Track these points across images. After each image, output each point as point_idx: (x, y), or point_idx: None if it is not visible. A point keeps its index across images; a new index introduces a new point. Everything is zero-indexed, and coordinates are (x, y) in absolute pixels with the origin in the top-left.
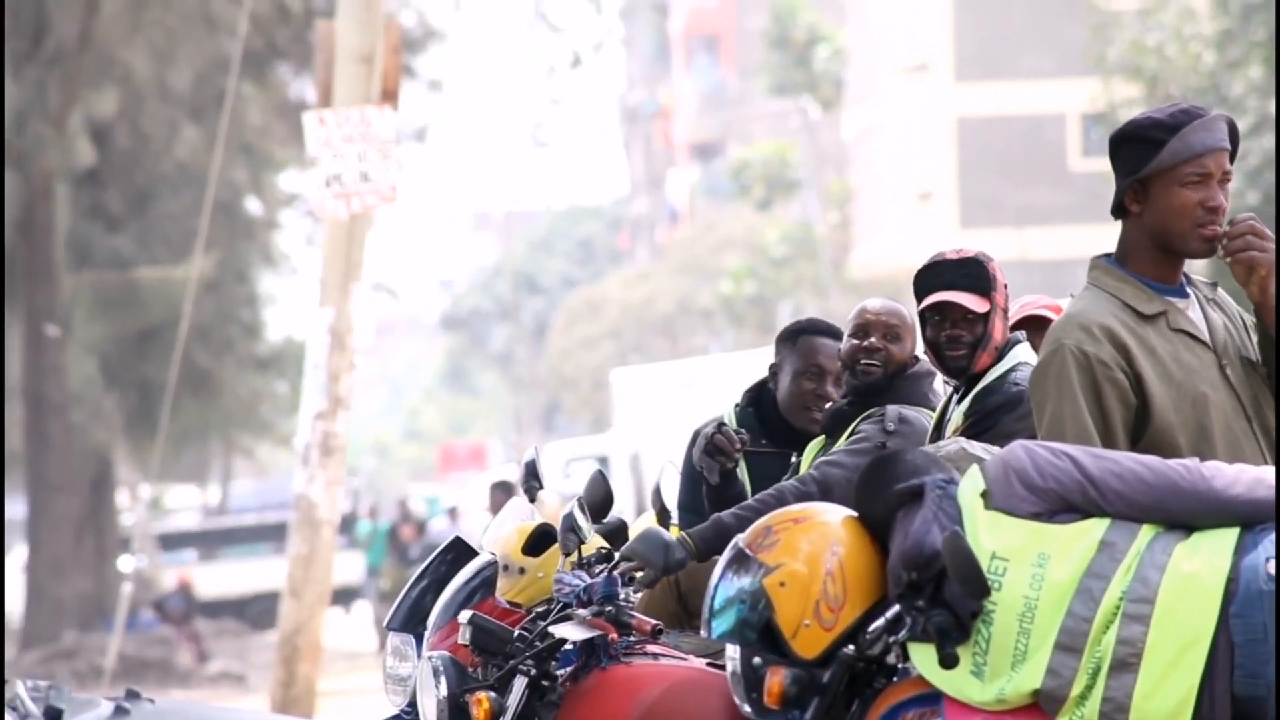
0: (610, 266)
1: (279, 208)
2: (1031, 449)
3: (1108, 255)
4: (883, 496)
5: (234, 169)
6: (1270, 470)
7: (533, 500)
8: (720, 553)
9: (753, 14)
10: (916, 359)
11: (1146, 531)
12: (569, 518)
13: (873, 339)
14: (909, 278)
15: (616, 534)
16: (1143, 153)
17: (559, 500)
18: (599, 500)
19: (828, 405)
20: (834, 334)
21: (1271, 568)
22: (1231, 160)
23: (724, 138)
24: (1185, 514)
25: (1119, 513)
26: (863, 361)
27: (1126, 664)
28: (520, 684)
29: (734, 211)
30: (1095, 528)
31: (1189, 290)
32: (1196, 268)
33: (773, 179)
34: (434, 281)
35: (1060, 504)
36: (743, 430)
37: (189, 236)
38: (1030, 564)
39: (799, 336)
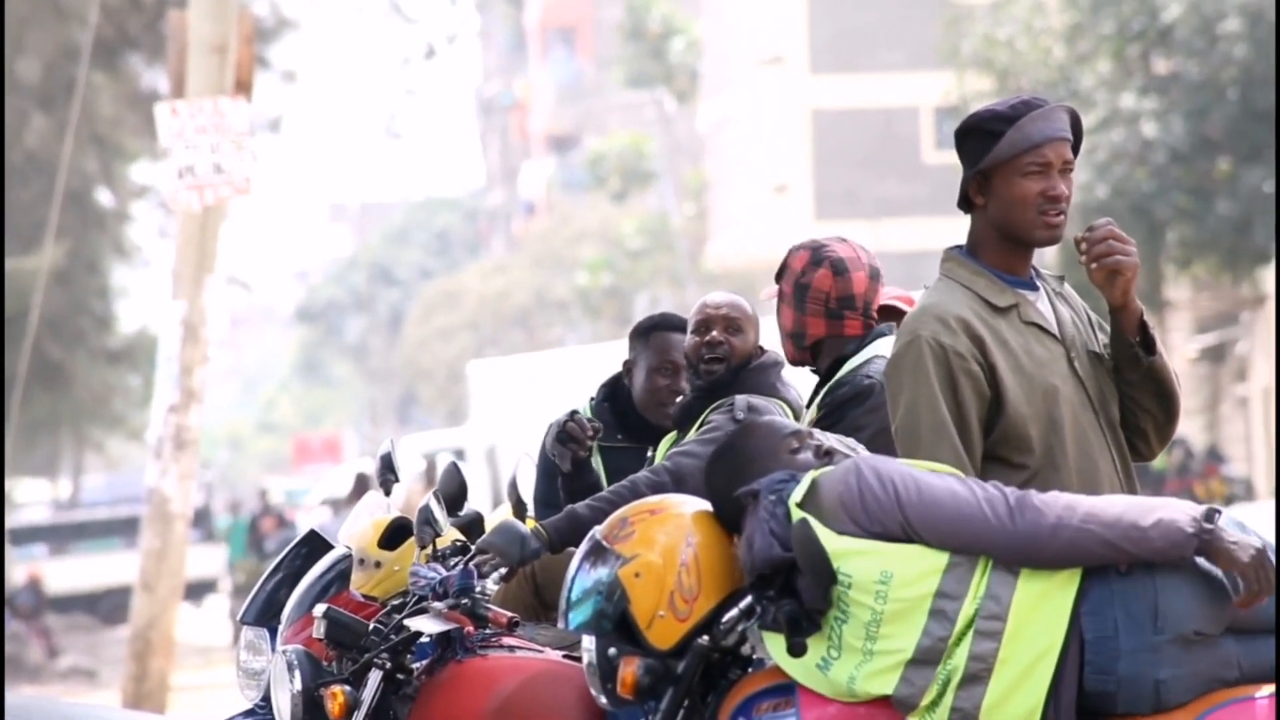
0: (467, 258)
1: (131, 199)
2: (863, 477)
3: (959, 247)
4: (724, 498)
5: (85, 159)
6: (1102, 500)
7: (388, 493)
8: (575, 544)
9: (608, 6)
10: (762, 350)
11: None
12: (425, 510)
13: (714, 333)
14: (765, 269)
15: (472, 527)
16: (983, 144)
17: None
18: (454, 493)
19: (678, 400)
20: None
21: (1124, 565)
22: (1075, 152)
23: (580, 129)
24: (1001, 556)
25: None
26: (706, 357)
27: (977, 677)
28: (375, 677)
29: (590, 203)
30: (938, 555)
31: (1038, 283)
32: (1046, 261)
33: (628, 171)
34: (289, 273)
35: (886, 536)
36: (595, 420)
37: (39, 227)
38: (873, 580)
39: (652, 333)
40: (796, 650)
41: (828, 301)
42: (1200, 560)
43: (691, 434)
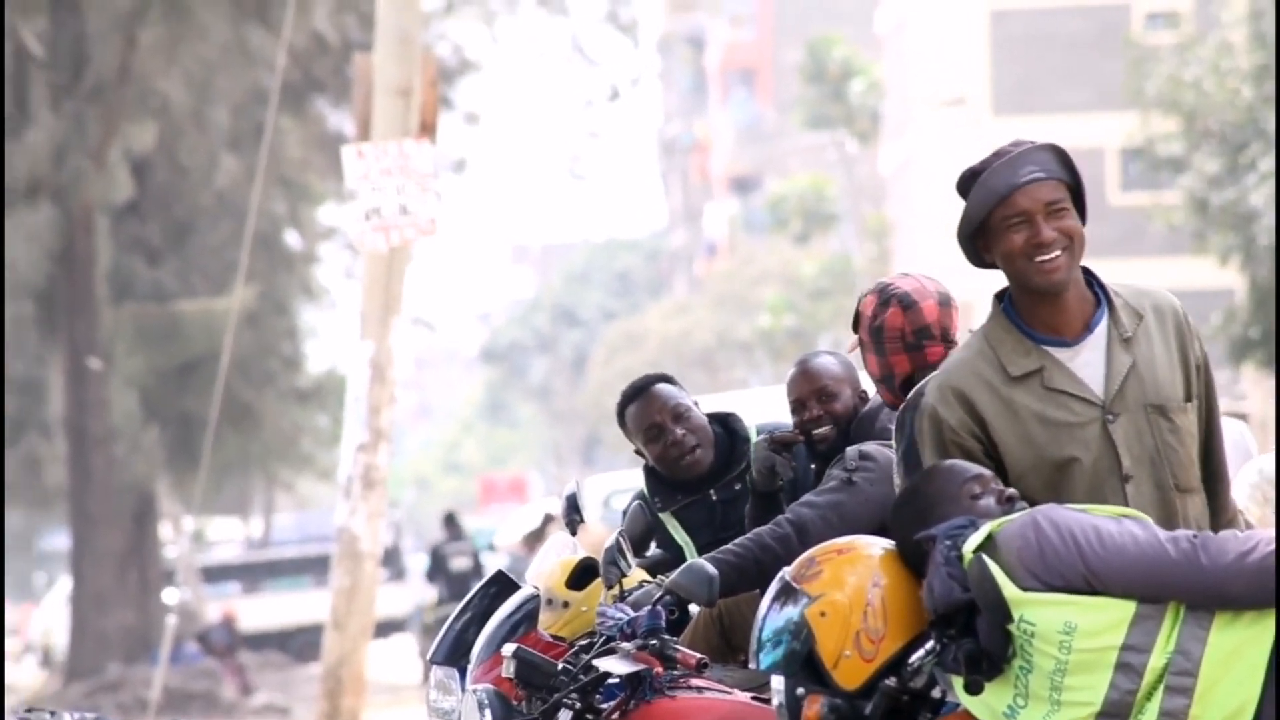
0: (648, 299)
1: (318, 240)
2: (1041, 531)
3: (1005, 293)
4: (907, 540)
5: (273, 201)
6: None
7: (574, 533)
8: (695, 596)
9: (788, 48)
10: (864, 398)
11: (1177, 605)
12: (612, 551)
13: (811, 410)
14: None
15: (659, 567)
16: (966, 208)
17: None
18: (640, 533)
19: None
20: (637, 391)
21: None
22: (1076, 184)
23: (761, 171)
24: (1191, 598)
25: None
26: (814, 433)
27: None
28: (565, 717)
29: (771, 245)
30: (1124, 606)
31: (1094, 329)
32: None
33: (810, 212)
34: (472, 314)
35: (1068, 589)
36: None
37: (229, 269)
38: (1057, 630)
39: (625, 415)
40: (973, 689)
41: (904, 337)
42: None
43: None
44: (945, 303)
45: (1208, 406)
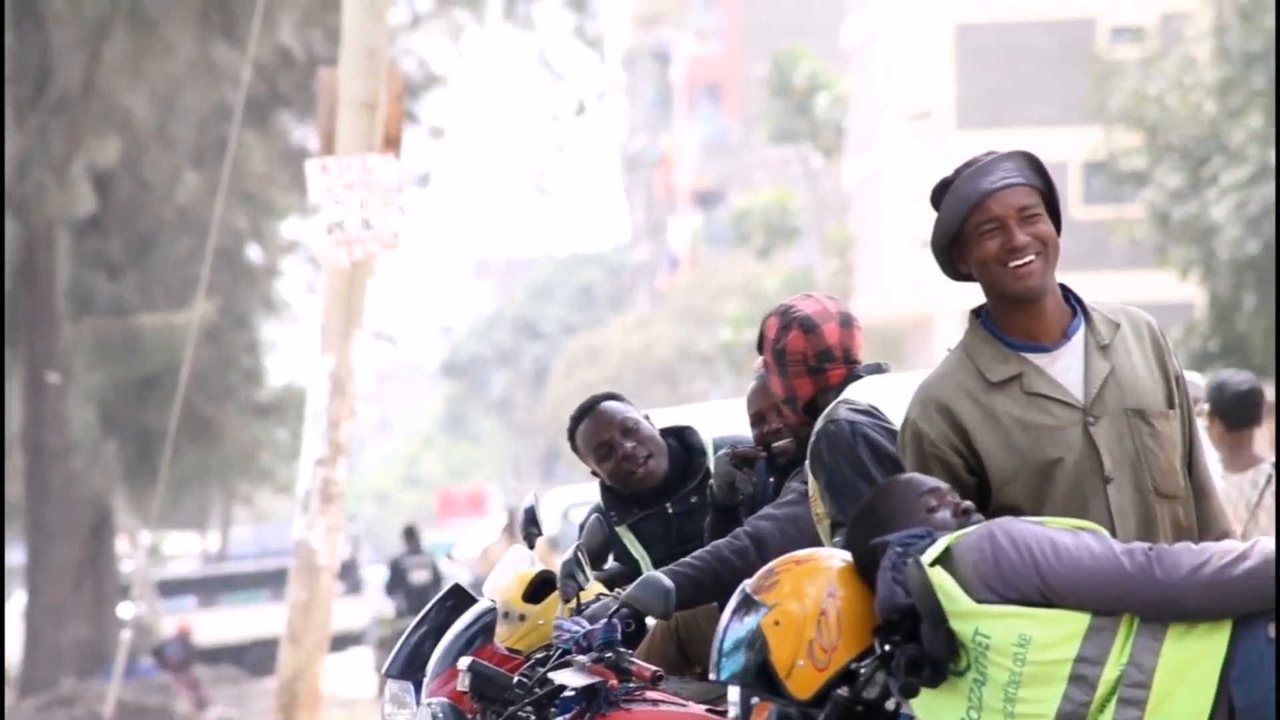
0: (610, 313)
1: (280, 255)
2: (998, 544)
3: (982, 308)
4: (861, 552)
5: (236, 216)
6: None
7: (532, 547)
8: (650, 609)
9: (754, 62)
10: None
11: (1131, 617)
12: (569, 564)
13: (770, 423)
14: (911, 324)
15: (616, 580)
16: (939, 217)
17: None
18: (598, 547)
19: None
20: (584, 412)
21: (1272, 631)
22: (1049, 190)
23: (725, 185)
24: (1146, 610)
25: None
26: (774, 445)
27: None
28: None
29: (734, 259)
30: (1078, 619)
31: (1072, 337)
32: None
33: (773, 226)
34: (434, 328)
35: (1024, 602)
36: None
37: (190, 283)
38: (1011, 643)
39: (576, 437)
40: (908, 691)
41: (806, 360)
42: None
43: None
44: (847, 324)
45: (1188, 419)
